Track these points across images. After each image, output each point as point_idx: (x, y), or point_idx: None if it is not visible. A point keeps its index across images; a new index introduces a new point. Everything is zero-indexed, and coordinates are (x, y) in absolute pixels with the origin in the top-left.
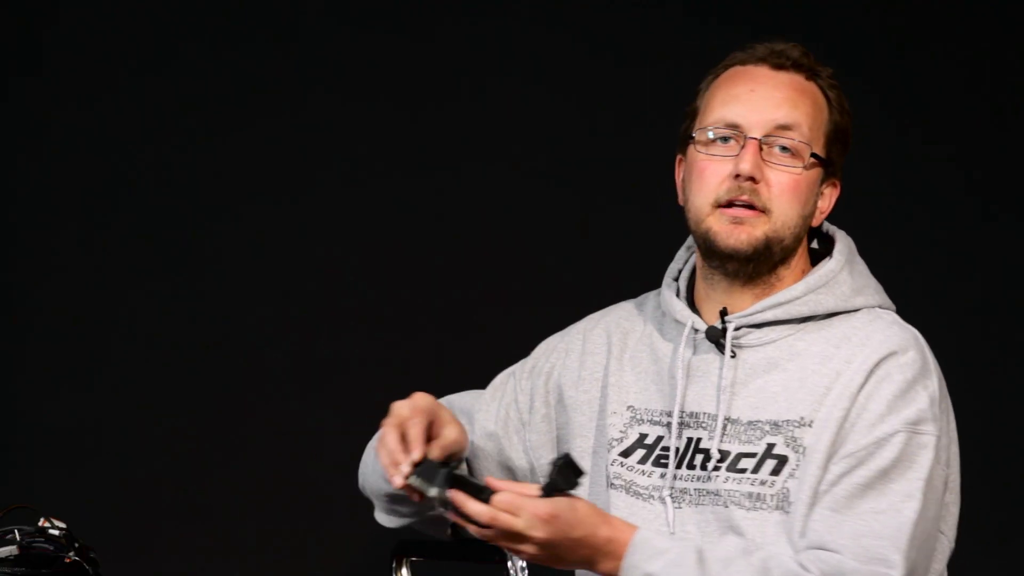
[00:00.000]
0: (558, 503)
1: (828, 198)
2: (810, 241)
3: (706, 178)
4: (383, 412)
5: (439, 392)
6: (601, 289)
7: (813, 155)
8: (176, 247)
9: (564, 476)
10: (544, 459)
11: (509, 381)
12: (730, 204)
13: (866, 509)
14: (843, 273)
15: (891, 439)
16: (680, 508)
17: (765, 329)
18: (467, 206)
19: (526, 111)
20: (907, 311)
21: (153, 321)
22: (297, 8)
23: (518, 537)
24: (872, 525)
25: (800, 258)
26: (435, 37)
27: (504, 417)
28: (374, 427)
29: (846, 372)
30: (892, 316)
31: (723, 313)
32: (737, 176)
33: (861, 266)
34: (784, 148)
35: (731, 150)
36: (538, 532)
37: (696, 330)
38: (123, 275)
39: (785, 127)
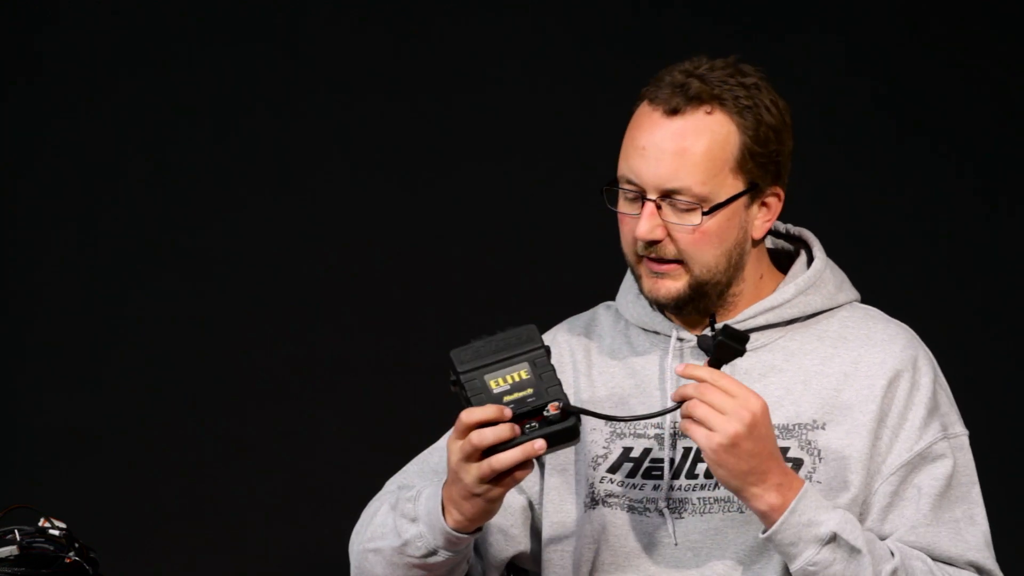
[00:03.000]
0: (766, 412)
1: (770, 210)
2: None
3: (624, 232)
4: (383, 412)
5: (435, 395)
6: (604, 288)
7: (714, 207)
8: (176, 248)
9: (729, 346)
10: (535, 487)
11: None
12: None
13: (946, 519)
14: (827, 272)
15: (935, 448)
16: (682, 518)
17: (755, 333)
18: (467, 206)
19: (526, 112)
20: (907, 309)
21: (153, 322)
22: (297, 9)
23: (716, 417)
24: (966, 537)
25: (754, 270)
26: (434, 37)
27: None
28: (374, 427)
29: (856, 374)
30: (876, 311)
31: (712, 320)
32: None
33: (831, 261)
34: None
35: (636, 208)
36: (739, 424)
37: (681, 339)
38: (123, 276)
39: (674, 190)
